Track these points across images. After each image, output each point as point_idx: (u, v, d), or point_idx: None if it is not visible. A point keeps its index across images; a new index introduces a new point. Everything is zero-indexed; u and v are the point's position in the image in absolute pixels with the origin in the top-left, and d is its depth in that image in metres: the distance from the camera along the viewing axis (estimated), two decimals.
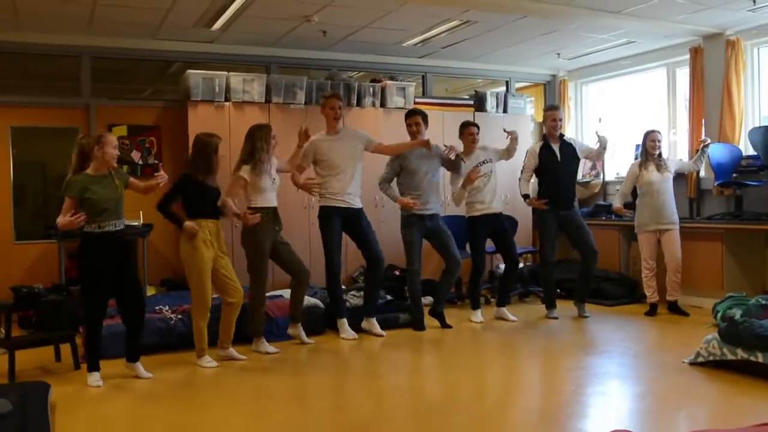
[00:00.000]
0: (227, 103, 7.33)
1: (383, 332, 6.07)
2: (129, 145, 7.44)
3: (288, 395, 4.52)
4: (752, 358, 4.40)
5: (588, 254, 6.71)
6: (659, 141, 6.71)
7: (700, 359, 4.76)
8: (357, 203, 6.03)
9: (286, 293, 6.19)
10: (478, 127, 6.68)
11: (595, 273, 6.97)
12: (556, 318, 6.68)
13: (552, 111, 6.84)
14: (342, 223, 5.96)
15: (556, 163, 6.68)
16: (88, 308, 4.69)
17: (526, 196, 6.81)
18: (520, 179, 6.85)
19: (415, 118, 6.30)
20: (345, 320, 6.03)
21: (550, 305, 6.83)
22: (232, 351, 5.30)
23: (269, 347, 5.52)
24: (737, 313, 5.54)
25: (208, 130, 5.38)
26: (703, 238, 6.91)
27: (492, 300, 7.40)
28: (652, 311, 6.77)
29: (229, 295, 5.17)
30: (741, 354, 4.47)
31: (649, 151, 6.71)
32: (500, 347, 5.78)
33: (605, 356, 5.34)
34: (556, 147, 6.72)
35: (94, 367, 4.65)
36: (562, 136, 6.82)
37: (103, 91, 7.58)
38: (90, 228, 4.57)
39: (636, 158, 7.13)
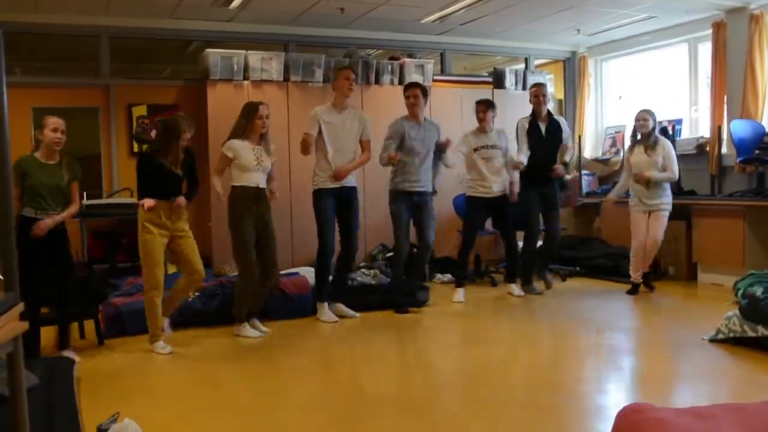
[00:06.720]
0: (246, 82, 7.35)
1: (357, 314, 5.90)
2: (148, 124, 7.49)
3: (314, 369, 4.57)
4: None
5: (551, 234, 6.91)
6: (644, 120, 6.42)
7: (720, 336, 4.74)
8: (351, 181, 5.81)
9: (303, 270, 6.23)
10: (487, 105, 6.54)
11: (555, 251, 7.17)
12: (540, 293, 6.74)
13: (535, 88, 6.75)
14: (334, 203, 5.71)
15: (541, 141, 6.64)
16: (24, 296, 4.63)
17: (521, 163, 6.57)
18: (519, 151, 6.62)
19: (413, 90, 6.11)
20: (326, 304, 5.81)
21: (527, 281, 6.78)
22: (166, 326, 5.16)
23: (250, 331, 5.33)
24: (758, 290, 5.49)
25: (181, 113, 5.25)
26: (725, 216, 6.85)
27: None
28: (634, 290, 6.70)
29: (187, 273, 5.07)
30: (762, 331, 4.45)
31: (636, 130, 6.53)
32: (514, 323, 5.77)
33: (623, 332, 5.33)
34: (542, 125, 6.69)
35: (32, 354, 4.47)
36: (550, 114, 6.78)
37: (122, 71, 7.62)
38: (26, 212, 4.54)
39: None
